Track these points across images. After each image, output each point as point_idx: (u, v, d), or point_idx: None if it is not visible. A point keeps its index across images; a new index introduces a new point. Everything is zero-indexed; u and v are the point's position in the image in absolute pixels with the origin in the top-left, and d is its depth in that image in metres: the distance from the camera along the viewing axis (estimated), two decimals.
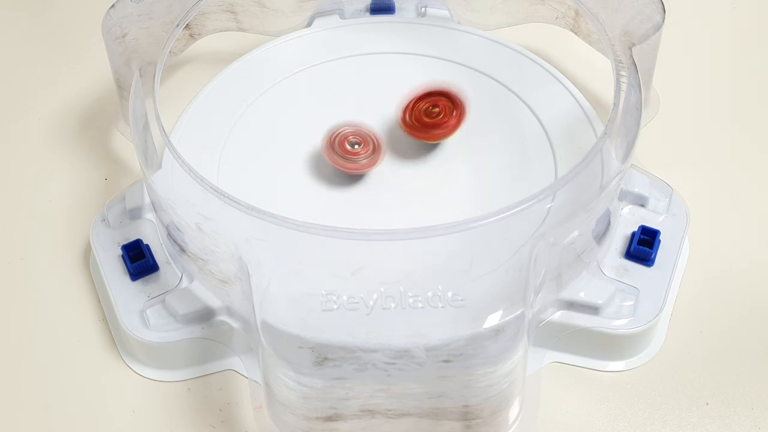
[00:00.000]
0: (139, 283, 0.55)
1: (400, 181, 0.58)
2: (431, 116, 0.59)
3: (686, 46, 0.71)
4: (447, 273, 0.49)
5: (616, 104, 0.54)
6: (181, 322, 0.54)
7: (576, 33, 0.65)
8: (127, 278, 0.56)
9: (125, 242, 0.57)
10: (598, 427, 0.53)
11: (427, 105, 0.59)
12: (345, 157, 0.57)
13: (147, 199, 0.58)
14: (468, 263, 0.50)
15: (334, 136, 0.58)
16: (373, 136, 0.58)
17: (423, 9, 0.68)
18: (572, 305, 0.53)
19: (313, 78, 0.64)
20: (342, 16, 0.68)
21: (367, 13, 0.68)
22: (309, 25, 0.68)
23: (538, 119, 0.61)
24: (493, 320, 0.47)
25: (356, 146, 0.58)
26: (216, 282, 0.53)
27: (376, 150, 0.58)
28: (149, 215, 0.58)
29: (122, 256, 0.56)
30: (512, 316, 0.47)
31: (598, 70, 0.65)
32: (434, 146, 0.60)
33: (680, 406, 0.53)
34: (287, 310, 0.48)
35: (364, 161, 0.58)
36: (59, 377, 0.55)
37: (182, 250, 0.54)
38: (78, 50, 0.72)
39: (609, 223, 0.55)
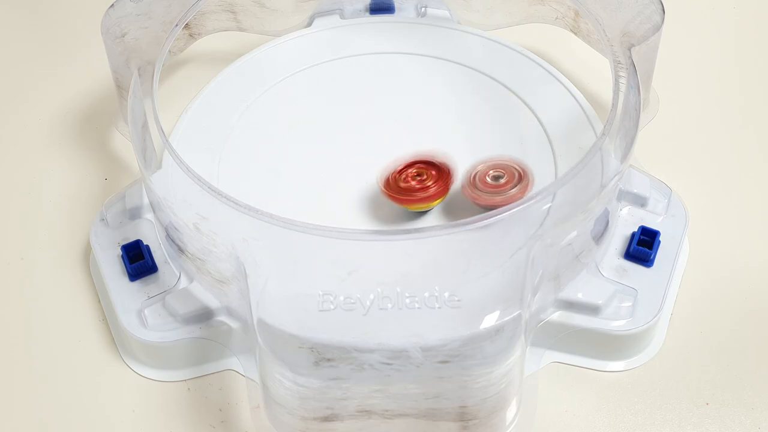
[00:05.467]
0: (138, 282, 0.56)
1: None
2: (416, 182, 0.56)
3: (686, 47, 0.71)
4: (444, 273, 0.49)
5: (614, 105, 0.54)
6: (179, 322, 0.54)
7: (576, 33, 0.65)
8: (126, 278, 0.56)
9: (125, 242, 0.57)
10: (598, 427, 0.53)
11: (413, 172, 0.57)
12: (490, 192, 0.56)
13: (146, 199, 0.58)
14: (465, 264, 0.50)
15: (473, 175, 0.56)
16: (516, 166, 0.56)
17: (423, 9, 0.68)
18: (571, 305, 0.53)
19: (313, 78, 0.64)
20: (342, 16, 0.68)
21: (367, 13, 0.68)
22: (309, 25, 0.68)
23: (538, 119, 0.61)
24: (490, 321, 0.47)
25: (500, 179, 0.56)
26: (214, 282, 0.53)
27: (522, 178, 0.56)
28: (148, 215, 0.58)
29: (122, 256, 0.56)
30: (509, 317, 0.47)
31: (598, 71, 0.65)
32: (434, 146, 0.60)
33: (680, 406, 0.53)
34: (284, 310, 0.48)
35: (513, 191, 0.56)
36: (59, 377, 0.55)
37: (180, 250, 0.54)
38: (77, 50, 0.72)
39: (607, 224, 0.55)
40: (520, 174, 0.56)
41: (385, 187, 0.56)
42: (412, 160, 0.57)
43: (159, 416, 0.53)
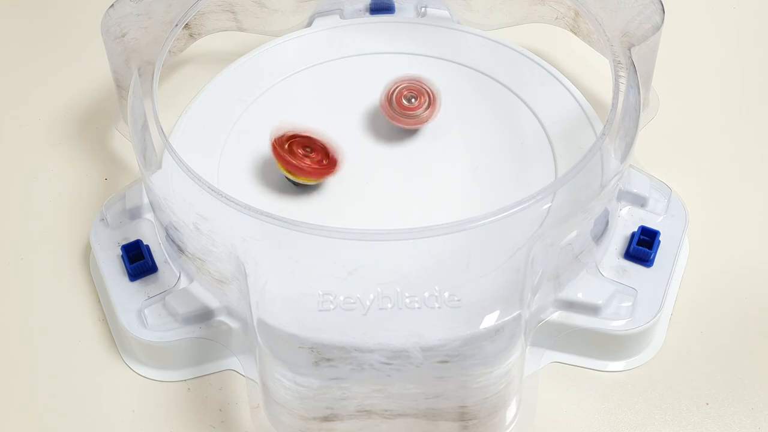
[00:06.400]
0: (138, 282, 0.56)
1: (398, 181, 0.58)
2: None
3: (686, 47, 0.71)
4: (444, 273, 0.49)
5: (614, 105, 0.54)
6: (179, 322, 0.54)
7: (576, 33, 0.65)
8: (126, 278, 0.56)
9: (125, 242, 0.57)
10: (598, 428, 0.53)
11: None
12: (403, 114, 0.59)
13: (146, 199, 0.58)
14: (465, 264, 0.50)
15: (391, 92, 0.59)
16: (428, 89, 0.60)
17: (423, 9, 0.68)
18: (571, 305, 0.53)
19: (313, 78, 0.64)
20: (342, 16, 0.68)
21: (367, 13, 0.68)
22: (309, 25, 0.68)
23: (538, 119, 0.61)
24: (490, 321, 0.47)
25: (413, 101, 0.59)
26: (214, 282, 0.53)
27: (432, 103, 0.59)
28: (148, 215, 0.58)
29: (122, 256, 0.56)
30: (509, 317, 0.47)
31: (598, 71, 0.65)
32: (434, 146, 0.60)
33: (680, 406, 0.53)
34: (284, 309, 0.48)
35: (423, 114, 0.59)
36: (59, 377, 0.55)
37: (180, 250, 0.54)
38: (78, 50, 0.72)
39: (607, 224, 0.55)
40: (430, 98, 0.60)
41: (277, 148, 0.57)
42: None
43: (159, 416, 0.53)
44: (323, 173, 0.57)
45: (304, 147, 0.57)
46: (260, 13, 0.67)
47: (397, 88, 0.60)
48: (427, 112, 0.59)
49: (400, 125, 0.59)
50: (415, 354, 0.46)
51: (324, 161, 0.57)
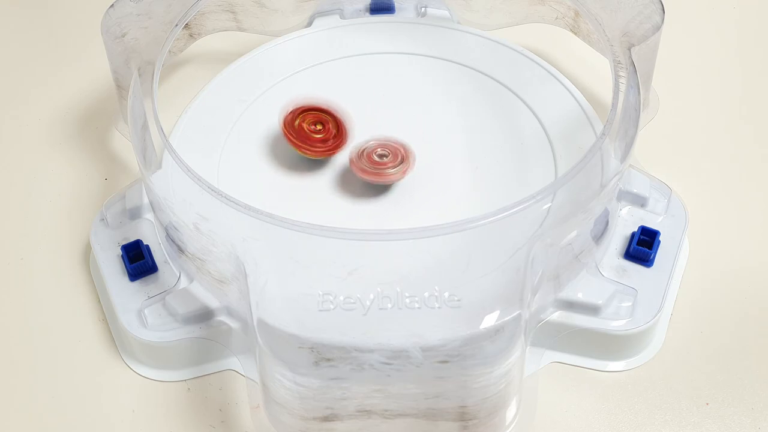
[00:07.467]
0: (138, 282, 0.56)
1: (398, 181, 0.58)
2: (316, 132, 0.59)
3: (686, 47, 0.71)
4: (444, 273, 0.49)
5: (614, 105, 0.54)
6: (179, 322, 0.54)
7: (576, 33, 0.65)
8: (126, 278, 0.56)
9: (125, 242, 0.57)
10: (598, 428, 0.53)
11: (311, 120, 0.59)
12: (374, 169, 0.57)
13: (146, 199, 0.58)
14: (465, 264, 0.50)
15: (360, 151, 0.58)
16: (401, 147, 0.58)
17: (423, 9, 0.68)
18: (571, 305, 0.53)
19: (313, 78, 0.64)
20: (342, 16, 0.68)
21: (367, 13, 0.68)
22: (309, 25, 0.68)
23: (538, 119, 0.61)
24: (490, 321, 0.47)
25: (384, 158, 0.57)
26: (214, 282, 0.53)
27: (404, 160, 0.57)
28: (148, 215, 0.58)
29: (122, 256, 0.56)
30: (509, 317, 0.47)
31: (598, 71, 0.65)
32: (434, 146, 0.60)
33: (680, 406, 0.53)
34: (284, 309, 0.48)
35: (393, 171, 0.57)
36: (59, 377, 0.55)
37: (180, 250, 0.54)
38: (78, 50, 0.72)
39: (607, 224, 0.55)
40: (403, 156, 0.57)
41: (286, 127, 0.58)
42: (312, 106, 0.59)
43: (159, 416, 0.53)
44: (333, 150, 0.58)
45: (314, 123, 0.58)
46: (260, 13, 0.67)
47: (368, 146, 0.58)
48: (397, 169, 0.57)
49: (369, 179, 0.58)
50: (415, 354, 0.46)
51: (334, 138, 0.58)
